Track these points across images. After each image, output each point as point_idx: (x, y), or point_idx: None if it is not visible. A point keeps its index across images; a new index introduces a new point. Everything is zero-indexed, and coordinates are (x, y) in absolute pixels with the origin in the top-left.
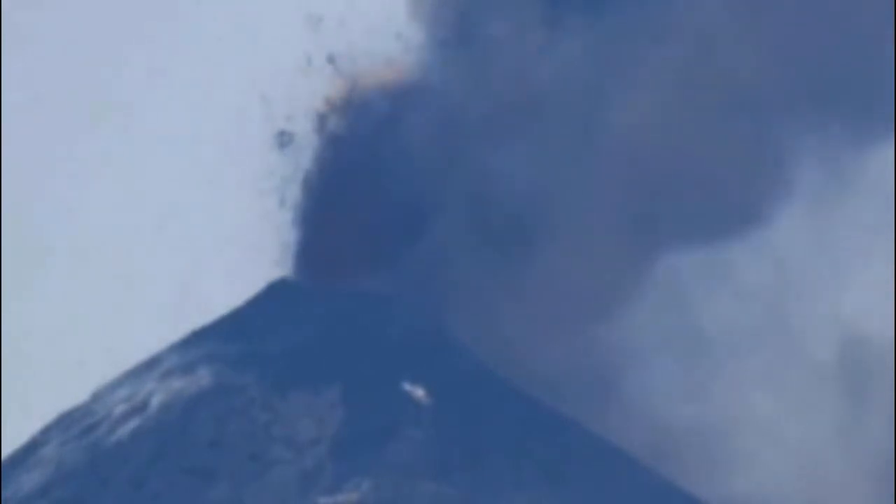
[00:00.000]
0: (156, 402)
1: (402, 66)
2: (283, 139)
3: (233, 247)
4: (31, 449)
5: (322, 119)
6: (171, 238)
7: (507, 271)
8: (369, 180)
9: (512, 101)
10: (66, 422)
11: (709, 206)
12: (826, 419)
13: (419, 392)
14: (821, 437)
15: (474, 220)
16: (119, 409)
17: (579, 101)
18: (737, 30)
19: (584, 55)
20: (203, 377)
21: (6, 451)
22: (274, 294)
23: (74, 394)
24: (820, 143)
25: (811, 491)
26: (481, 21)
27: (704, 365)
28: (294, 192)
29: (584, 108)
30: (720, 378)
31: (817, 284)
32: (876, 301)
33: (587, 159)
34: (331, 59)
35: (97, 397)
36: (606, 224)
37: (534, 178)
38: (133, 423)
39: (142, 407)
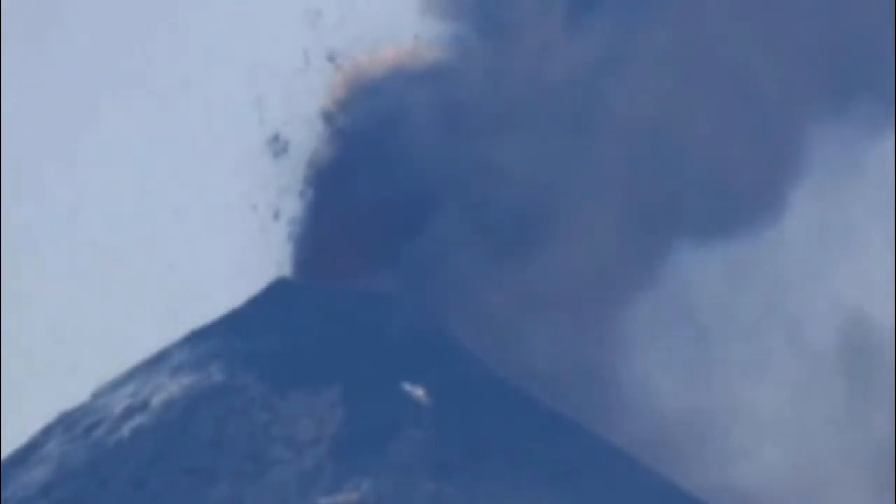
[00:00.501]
0: (156, 401)
1: (407, 50)
2: (277, 146)
3: (232, 247)
4: (31, 449)
5: (328, 117)
6: (169, 239)
7: (508, 271)
8: (370, 178)
9: (518, 95)
10: (66, 422)
11: (711, 199)
12: (826, 409)
13: (419, 392)
14: (821, 427)
15: (475, 218)
16: (119, 409)
17: (585, 95)
18: (745, 23)
19: (593, 49)
20: (203, 377)
21: (6, 451)
22: (274, 294)
23: (74, 394)
24: (823, 131)
25: (811, 481)
26: (493, 12)
27: (706, 358)
28: (289, 205)
29: (589, 102)
30: (722, 371)
31: (819, 272)
32: (877, 288)
33: (590, 155)
34: (331, 58)
35: (97, 397)
36: (608, 222)
37: (536, 175)
38: (133, 423)
39: (142, 407)
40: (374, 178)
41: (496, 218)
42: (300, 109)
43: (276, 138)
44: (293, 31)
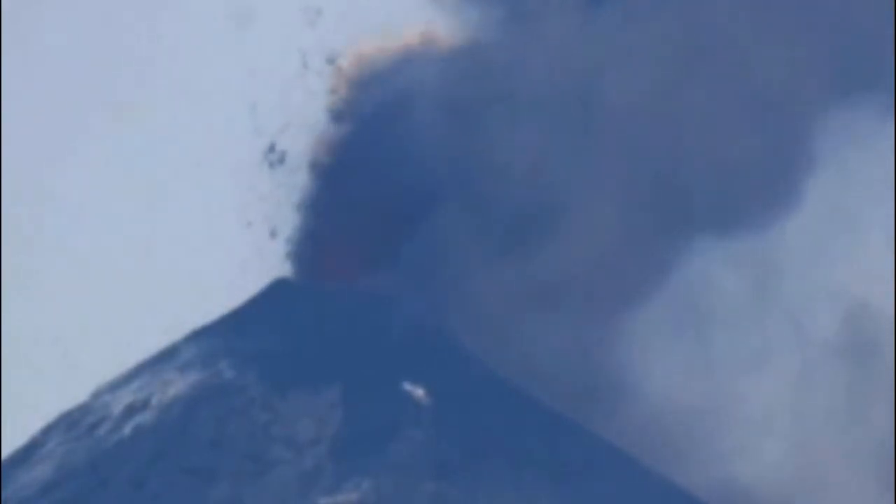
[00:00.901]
0: (156, 401)
1: (413, 39)
2: (273, 157)
3: (231, 247)
4: (31, 449)
5: (332, 110)
6: (168, 239)
7: (509, 270)
8: (371, 174)
9: (524, 88)
10: (66, 422)
11: (717, 195)
12: (827, 404)
13: (419, 392)
14: (823, 422)
15: (476, 217)
16: (120, 409)
17: (592, 89)
18: (755, 14)
19: (601, 41)
20: (203, 377)
21: (6, 451)
22: (274, 294)
23: (74, 394)
24: (833, 122)
25: (812, 476)
26: (504, 4)
27: (708, 356)
28: (287, 218)
29: (595, 96)
30: (723, 367)
31: (821, 262)
32: (880, 278)
33: (595, 151)
34: (331, 60)
35: (97, 397)
36: (612, 220)
37: (540, 171)
38: (133, 423)
39: (142, 406)
40: (376, 174)
41: (497, 217)
42: (298, 116)
43: (272, 148)
44: (290, 32)
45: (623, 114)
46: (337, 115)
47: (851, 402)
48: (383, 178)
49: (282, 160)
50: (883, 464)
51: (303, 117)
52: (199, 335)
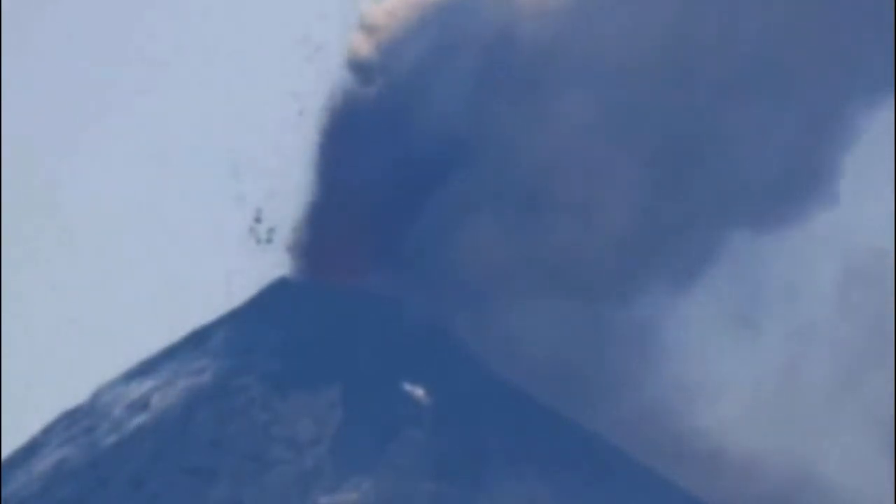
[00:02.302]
0: (156, 401)
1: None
2: (260, 233)
3: (231, 247)
4: (31, 449)
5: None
6: (168, 239)
7: (510, 270)
8: (373, 171)
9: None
10: (66, 422)
11: (738, 184)
12: (823, 371)
13: (419, 392)
14: (817, 390)
15: (482, 202)
16: (120, 409)
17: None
18: (797, 16)
19: (620, 33)
20: (203, 377)
21: (6, 451)
22: (274, 293)
23: (75, 393)
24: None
25: (807, 444)
26: None
27: (709, 349)
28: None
29: (615, 81)
30: (722, 353)
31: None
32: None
33: (607, 136)
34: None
35: (97, 397)
36: (620, 219)
37: (549, 164)
38: (133, 423)
39: (142, 406)
40: (377, 171)
41: (506, 201)
42: (290, 180)
43: (257, 221)
44: (284, 71)
45: (654, 100)
46: (362, 77)
47: (849, 367)
48: (394, 145)
49: (271, 238)
50: (883, 431)
51: (295, 181)
52: (200, 335)
